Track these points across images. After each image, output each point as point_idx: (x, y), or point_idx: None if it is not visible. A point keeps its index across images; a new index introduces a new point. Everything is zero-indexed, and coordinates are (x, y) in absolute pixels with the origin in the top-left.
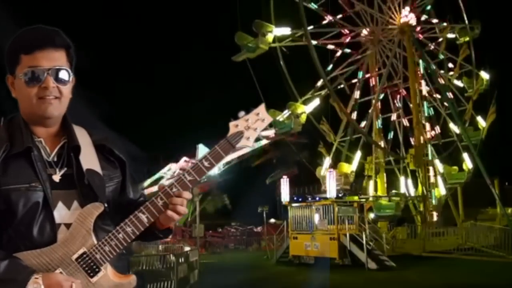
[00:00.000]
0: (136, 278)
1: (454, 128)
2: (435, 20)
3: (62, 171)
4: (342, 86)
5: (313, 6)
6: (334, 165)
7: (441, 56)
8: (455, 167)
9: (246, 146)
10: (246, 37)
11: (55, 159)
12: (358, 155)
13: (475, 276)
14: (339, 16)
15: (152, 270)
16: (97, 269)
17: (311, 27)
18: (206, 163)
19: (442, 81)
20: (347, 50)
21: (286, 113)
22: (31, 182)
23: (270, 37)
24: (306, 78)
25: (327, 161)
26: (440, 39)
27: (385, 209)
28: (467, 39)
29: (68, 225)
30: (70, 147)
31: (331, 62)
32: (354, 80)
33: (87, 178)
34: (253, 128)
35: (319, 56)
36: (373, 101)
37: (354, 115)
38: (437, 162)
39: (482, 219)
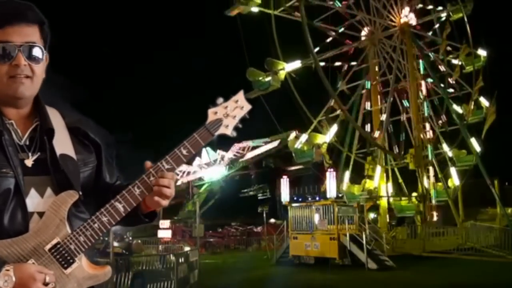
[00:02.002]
0: (111, 270)
1: (457, 109)
2: (430, 7)
3: (35, 156)
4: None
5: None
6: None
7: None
8: (464, 151)
9: (225, 134)
10: (258, 73)
11: (27, 143)
12: (378, 169)
13: (475, 276)
14: (341, 30)
15: (152, 270)
16: (71, 260)
17: (317, 48)
18: (184, 151)
19: (442, 68)
20: (353, 63)
21: (303, 137)
22: (1, 168)
23: (282, 73)
24: (317, 100)
25: (347, 175)
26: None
27: (406, 210)
28: (460, 15)
29: (41, 214)
30: (43, 130)
31: (339, 78)
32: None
33: (61, 164)
34: (232, 116)
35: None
36: (385, 107)
37: (368, 127)
38: (445, 147)
39: (482, 219)
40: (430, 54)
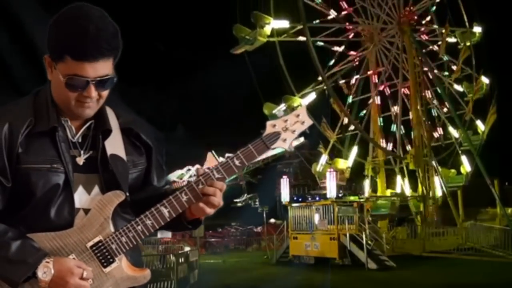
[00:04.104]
0: (150, 273)
1: (458, 88)
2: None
3: (87, 154)
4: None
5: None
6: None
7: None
8: (470, 131)
9: (282, 148)
10: (274, 107)
11: (80, 140)
12: (398, 180)
13: (475, 276)
14: (344, 46)
15: (152, 270)
16: (111, 259)
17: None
18: (237, 162)
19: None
20: (357, 76)
21: (323, 159)
22: (53, 163)
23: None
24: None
25: (367, 184)
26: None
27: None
28: None
29: (86, 211)
30: (99, 129)
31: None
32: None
33: (110, 164)
34: (291, 130)
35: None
36: (396, 109)
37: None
38: (451, 130)
39: (482, 219)
40: (431, 46)
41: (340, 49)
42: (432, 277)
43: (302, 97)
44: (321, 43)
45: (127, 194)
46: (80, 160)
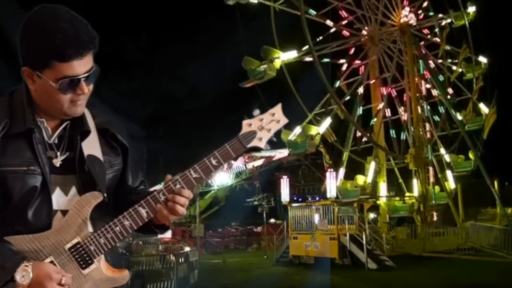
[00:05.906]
0: (129, 274)
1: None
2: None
3: (64, 155)
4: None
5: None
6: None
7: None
8: (473, 113)
9: (258, 147)
10: (287, 132)
11: (56, 141)
12: (415, 184)
13: (475, 276)
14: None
15: (152, 270)
16: (90, 261)
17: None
18: (214, 161)
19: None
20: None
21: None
22: (29, 166)
23: (317, 138)
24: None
25: (383, 187)
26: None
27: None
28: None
29: (64, 212)
30: (78, 130)
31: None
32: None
33: (87, 165)
34: (267, 129)
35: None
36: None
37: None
38: (453, 114)
39: (482, 219)
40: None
41: (345, 61)
42: (432, 277)
43: (315, 116)
44: (327, 60)
45: (105, 194)
46: (57, 162)
